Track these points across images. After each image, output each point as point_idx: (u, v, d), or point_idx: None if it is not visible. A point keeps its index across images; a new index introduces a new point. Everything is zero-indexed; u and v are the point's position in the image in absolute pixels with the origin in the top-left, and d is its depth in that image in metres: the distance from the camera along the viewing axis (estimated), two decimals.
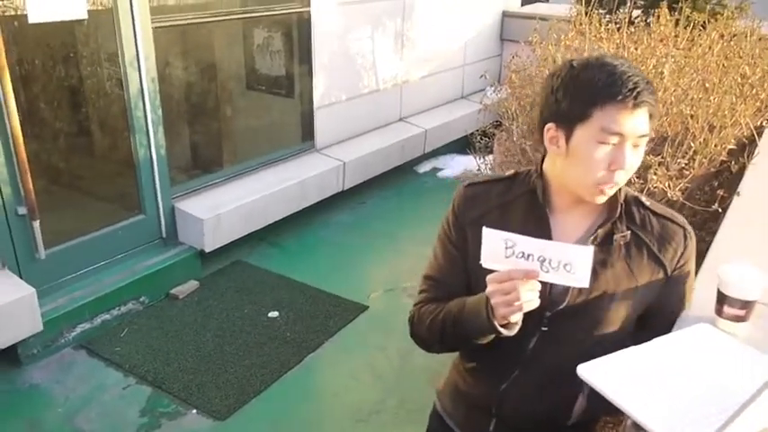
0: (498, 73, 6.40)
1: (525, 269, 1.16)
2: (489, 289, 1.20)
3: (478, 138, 3.40)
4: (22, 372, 3.06)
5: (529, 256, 1.17)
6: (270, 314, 3.55)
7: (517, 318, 1.21)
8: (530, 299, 1.17)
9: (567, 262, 1.15)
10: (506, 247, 1.18)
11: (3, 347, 2.95)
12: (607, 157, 1.19)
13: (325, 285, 3.82)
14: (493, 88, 3.59)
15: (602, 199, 1.25)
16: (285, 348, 3.28)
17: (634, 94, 1.16)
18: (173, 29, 3.83)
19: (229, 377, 3.07)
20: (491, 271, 1.21)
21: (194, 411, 2.88)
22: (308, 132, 4.77)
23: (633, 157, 1.21)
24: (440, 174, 5.63)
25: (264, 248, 4.26)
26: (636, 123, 1.18)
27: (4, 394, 2.94)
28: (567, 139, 1.23)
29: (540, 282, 1.17)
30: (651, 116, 1.20)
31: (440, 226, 1.45)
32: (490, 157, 3.64)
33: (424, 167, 5.71)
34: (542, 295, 1.19)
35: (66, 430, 2.76)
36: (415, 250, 4.27)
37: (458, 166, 5.67)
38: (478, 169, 3.71)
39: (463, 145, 5.39)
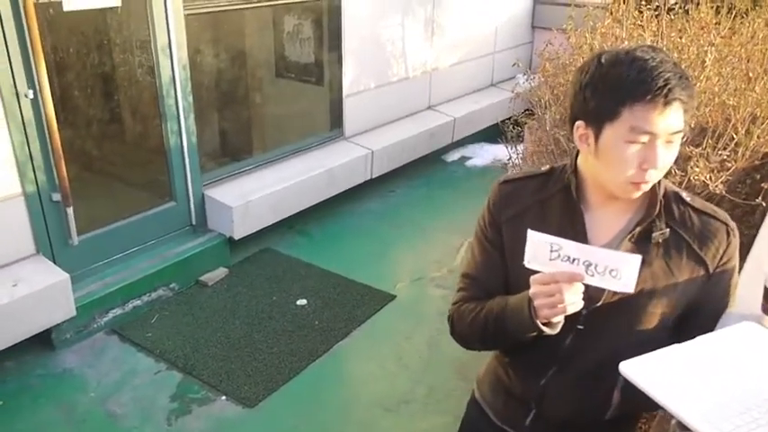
0: (529, 61, 6.31)
1: (570, 272, 1.15)
2: (533, 290, 1.19)
3: (510, 127, 3.35)
4: (55, 356, 3.11)
5: (574, 260, 1.15)
6: (298, 302, 3.56)
7: (560, 318, 1.19)
8: (573, 301, 1.15)
9: (614, 268, 1.13)
10: (551, 251, 1.16)
11: (37, 332, 3.00)
12: (637, 157, 1.15)
13: (353, 274, 3.82)
14: (525, 76, 3.53)
15: (635, 194, 1.22)
16: (313, 336, 3.29)
17: (664, 91, 1.10)
18: (204, 16, 3.83)
19: (258, 364, 3.09)
20: (530, 269, 1.19)
21: (224, 398, 2.90)
22: (336, 120, 4.76)
23: (666, 155, 1.17)
24: (468, 163, 5.58)
25: (293, 236, 4.27)
26: (668, 121, 1.13)
27: (39, 378, 2.99)
28: (597, 138, 1.19)
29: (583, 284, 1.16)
30: (686, 111, 1.15)
31: (476, 223, 1.43)
32: (521, 146, 3.59)
33: (453, 156, 5.67)
34: None
35: (98, 414, 2.80)
36: (443, 240, 4.26)
37: (487, 155, 5.62)
38: (509, 158, 3.67)
39: (492, 134, 5.33)
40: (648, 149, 1.15)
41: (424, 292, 3.75)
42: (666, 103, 1.11)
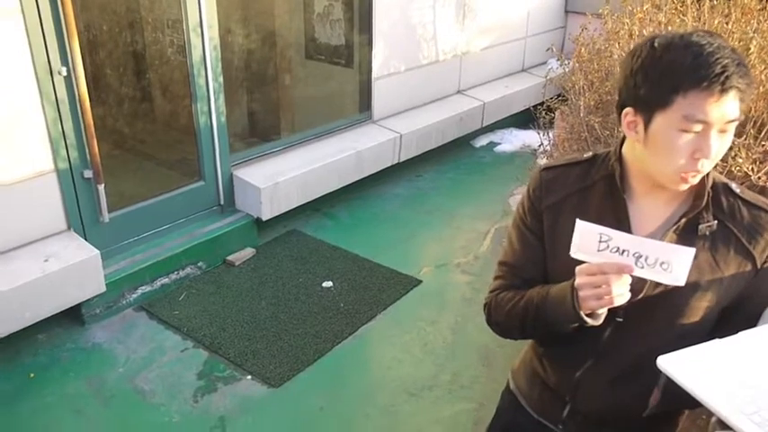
0: (561, 46, 6.21)
1: (619, 264, 1.11)
2: (579, 281, 1.15)
3: (543, 112, 3.30)
4: (85, 331, 3.16)
5: (624, 251, 1.12)
6: (324, 284, 3.57)
7: (604, 309, 1.16)
8: (621, 293, 1.12)
9: (665, 260, 1.10)
10: (600, 241, 1.13)
11: (68, 307, 3.05)
12: (690, 146, 1.11)
13: (379, 258, 3.81)
14: (558, 62, 3.47)
15: (684, 187, 1.18)
16: (338, 319, 3.30)
17: (722, 78, 1.05)
18: None
19: (284, 345, 3.10)
20: (572, 259, 1.16)
21: (249, 377, 2.92)
22: (365, 103, 4.73)
23: (719, 145, 1.12)
24: (497, 149, 5.52)
25: (319, 219, 4.27)
26: (723, 110, 1.08)
27: (68, 352, 3.04)
28: (646, 126, 1.14)
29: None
30: (742, 99, 1.10)
31: (515, 211, 1.41)
32: (552, 132, 3.54)
33: (481, 141, 5.61)
34: None
35: (126, 389, 2.84)
36: (469, 226, 4.23)
37: (516, 140, 5.56)
38: (540, 144, 3.63)
39: (522, 119, 5.28)
40: (702, 139, 1.10)
41: (449, 277, 3.73)
42: (723, 91, 1.07)
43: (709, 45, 1.09)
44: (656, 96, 1.11)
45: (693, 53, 1.08)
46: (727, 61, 1.07)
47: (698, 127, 1.09)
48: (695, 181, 1.17)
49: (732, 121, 1.11)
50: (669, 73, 1.09)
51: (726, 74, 1.06)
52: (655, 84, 1.11)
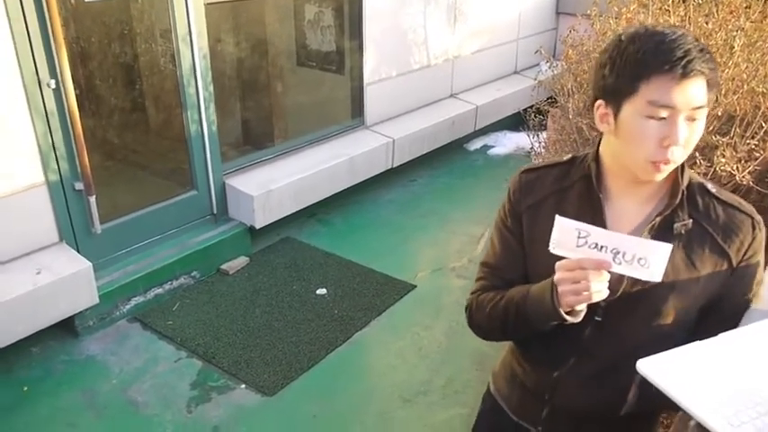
0: (553, 48, 6.22)
1: (597, 260, 1.12)
2: (558, 276, 1.16)
3: (533, 115, 3.30)
4: (78, 343, 3.16)
5: (602, 247, 1.12)
6: (318, 291, 3.56)
7: (583, 306, 1.17)
8: (599, 289, 1.12)
9: (642, 256, 1.10)
10: (579, 237, 1.13)
11: (60, 319, 3.05)
12: (658, 133, 1.12)
13: (374, 263, 3.81)
14: (548, 64, 3.47)
15: (659, 176, 1.17)
16: (333, 326, 3.29)
17: (683, 62, 1.07)
18: (224, 5, 3.83)
19: (277, 353, 3.10)
20: (551, 257, 1.16)
21: (243, 386, 2.92)
22: (357, 109, 4.74)
23: (688, 132, 1.13)
24: (490, 151, 5.52)
25: (313, 225, 4.27)
26: (688, 95, 1.09)
27: (62, 364, 3.04)
28: (616, 116, 1.17)
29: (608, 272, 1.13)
30: (710, 86, 1.11)
31: (496, 213, 1.41)
32: (544, 134, 3.54)
33: (475, 145, 5.62)
34: None
35: (119, 401, 2.83)
36: (464, 230, 4.22)
37: (509, 143, 5.56)
38: (531, 147, 3.62)
39: (515, 122, 5.27)
40: (669, 125, 1.11)
41: (444, 281, 3.72)
42: (685, 75, 1.08)
43: (672, 34, 1.12)
44: (623, 85, 1.14)
45: (656, 41, 1.11)
46: (689, 47, 1.09)
47: (664, 112, 1.11)
48: (669, 169, 1.17)
49: (699, 107, 1.12)
50: (634, 61, 1.12)
51: (687, 58, 1.08)
52: (621, 73, 1.14)
